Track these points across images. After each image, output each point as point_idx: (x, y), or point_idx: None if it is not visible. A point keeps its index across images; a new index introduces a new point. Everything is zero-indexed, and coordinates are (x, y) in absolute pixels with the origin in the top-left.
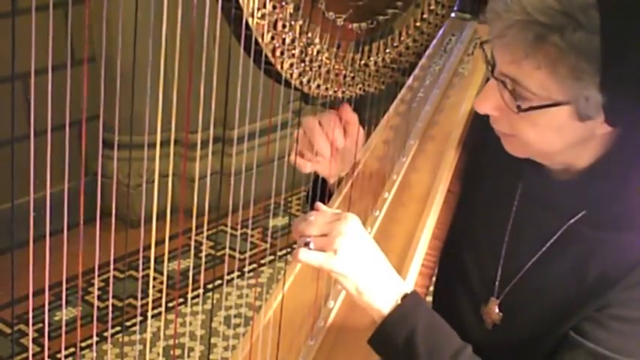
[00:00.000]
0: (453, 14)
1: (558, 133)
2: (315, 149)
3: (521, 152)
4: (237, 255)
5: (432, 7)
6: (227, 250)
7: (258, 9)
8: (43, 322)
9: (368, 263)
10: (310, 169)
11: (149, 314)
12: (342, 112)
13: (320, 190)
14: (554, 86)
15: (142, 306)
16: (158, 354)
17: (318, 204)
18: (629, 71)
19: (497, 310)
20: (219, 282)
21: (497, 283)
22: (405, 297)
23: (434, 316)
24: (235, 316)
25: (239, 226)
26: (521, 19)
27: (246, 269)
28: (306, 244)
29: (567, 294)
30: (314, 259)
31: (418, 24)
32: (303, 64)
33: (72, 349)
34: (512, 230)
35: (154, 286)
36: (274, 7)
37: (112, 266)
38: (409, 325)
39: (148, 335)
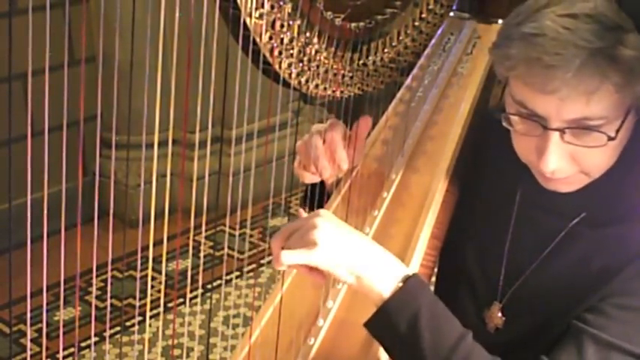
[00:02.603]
0: (451, 13)
1: (623, 142)
2: (314, 166)
3: (579, 185)
4: (236, 255)
5: (430, 7)
6: (226, 250)
7: (256, 9)
8: (42, 322)
9: (356, 247)
10: (310, 181)
11: (147, 314)
12: (359, 128)
13: (318, 190)
14: (626, 98)
15: (141, 306)
16: (157, 354)
17: (300, 211)
18: None
19: (499, 314)
20: (218, 282)
21: (500, 286)
22: (407, 279)
23: (436, 300)
24: (235, 316)
25: (238, 226)
26: (582, 56)
27: (245, 269)
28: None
29: (570, 293)
30: (298, 258)
31: (417, 23)
32: (301, 64)
33: (71, 349)
34: (514, 234)
35: (153, 287)
36: (272, 7)
37: (109, 267)
38: (413, 309)
39: (147, 335)
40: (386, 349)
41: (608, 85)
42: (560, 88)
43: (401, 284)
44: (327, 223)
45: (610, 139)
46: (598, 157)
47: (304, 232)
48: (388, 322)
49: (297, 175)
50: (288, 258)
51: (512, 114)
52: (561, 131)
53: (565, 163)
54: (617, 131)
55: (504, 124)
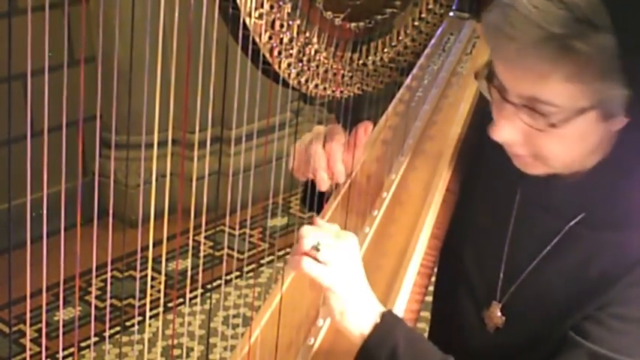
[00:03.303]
0: (451, 13)
1: (583, 140)
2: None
3: (542, 169)
4: (236, 255)
5: (430, 7)
6: (226, 250)
7: (256, 8)
8: (42, 322)
9: (356, 286)
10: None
11: (147, 314)
12: (357, 135)
13: (317, 191)
14: (580, 94)
15: (140, 306)
16: (157, 354)
17: (316, 220)
18: None
19: (499, 314)
20: (218, 282)
21: (499, 286)
22: (383, 315)
23: (413, 332)
24: (234, 316)
25: (238, 226)
26: (538, 37)
27: (245, 269)
28: (314, 248)
29: (569, 295)
30: (315, 271)
31: (416, 23)
32: (300, 64)
33: (71, 349)
34: (513, 233)
35: (153, 287)
36: (272, 7)
37: (109, 267)
38: (391, 342)
39: (147, 335)
40: None
41: (559, 73)
42: (516, 62)
43: (378, 321)
44: (350, 254)
45: (551, 125)
46: (549, 144)
47: (330, 247)
48: (370, 358)
49: (295, 176)
50: (309, 268)
51: (488, 81)
52: (515, 105)
53: (516, 139)
54: (563, 122)
55: (484, 93)
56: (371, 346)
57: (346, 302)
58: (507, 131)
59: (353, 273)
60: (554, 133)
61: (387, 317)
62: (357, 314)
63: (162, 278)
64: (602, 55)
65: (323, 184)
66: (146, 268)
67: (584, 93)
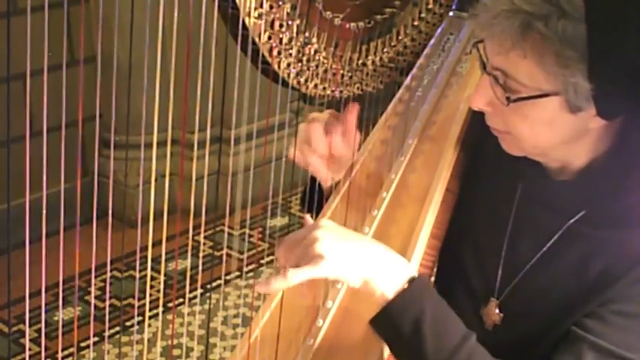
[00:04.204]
0: (451, 13)
1: (550, 127)
2: (313, 148)
3: (517, 150)
4: (236, 255)
5: (429, 6)
6: (225, 250)
7: (255, 8)
8: (41, 322)
9: (361, 251)
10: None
11: (147, 314)
12: (348, 114)
13: (316, 193)
14: (541, 76)
15: (140, 306)
16: (157, 354)
17: (305, 218)
18: (615, 59)
19: (497, 311)
20: (218, 282)
21: (497, 283)
22: (412, 280)
23: (440, 301)
24: (234, 316)
25: (237, 227)
26: (506, 9)
27: (245, 269)
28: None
29: (568, 293)
30: (306, 274)
31: (416, 23)
32: (300, 64)
33: (71, 349)
34: (513, 231)
35: (152, 287)
36: (271, 7)
37: (109, 267)
38: (416, 311)
39: (147, 335)
40: (389, 346)
41: (518, 49)
42: (486, 30)
43: (406, 286)
44: (328, 233)
45: (507, 99)
46: (515, 121)
47: (307, 247)
48: (391, 322)
49: (297, 162)
50: (298, 276)
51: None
52: (492, 76)
53: (487, 109)
54: (525, 101)
55: (480, 70)
56: (394, 310)
57: (363, 271)
58: (481, 100)
59: (346, 245)
60: (519, 111)
61: (417, 282)
62: (381, 277)
63: (162, 278)
64: (563, 42)
65: (323, 149)
66: (146, 268)
67: (545, 76)
